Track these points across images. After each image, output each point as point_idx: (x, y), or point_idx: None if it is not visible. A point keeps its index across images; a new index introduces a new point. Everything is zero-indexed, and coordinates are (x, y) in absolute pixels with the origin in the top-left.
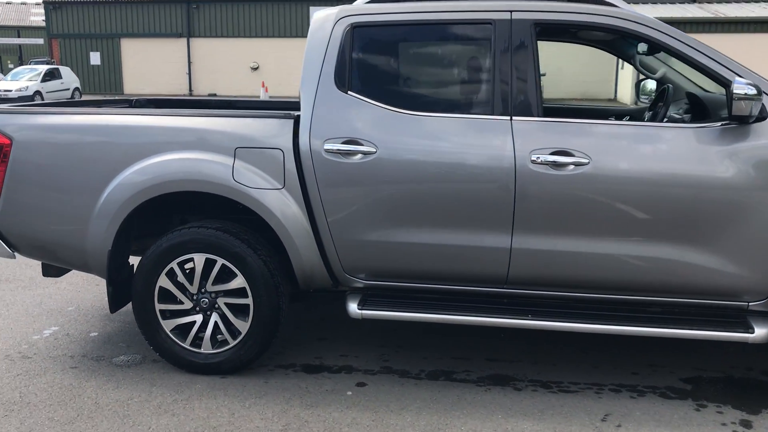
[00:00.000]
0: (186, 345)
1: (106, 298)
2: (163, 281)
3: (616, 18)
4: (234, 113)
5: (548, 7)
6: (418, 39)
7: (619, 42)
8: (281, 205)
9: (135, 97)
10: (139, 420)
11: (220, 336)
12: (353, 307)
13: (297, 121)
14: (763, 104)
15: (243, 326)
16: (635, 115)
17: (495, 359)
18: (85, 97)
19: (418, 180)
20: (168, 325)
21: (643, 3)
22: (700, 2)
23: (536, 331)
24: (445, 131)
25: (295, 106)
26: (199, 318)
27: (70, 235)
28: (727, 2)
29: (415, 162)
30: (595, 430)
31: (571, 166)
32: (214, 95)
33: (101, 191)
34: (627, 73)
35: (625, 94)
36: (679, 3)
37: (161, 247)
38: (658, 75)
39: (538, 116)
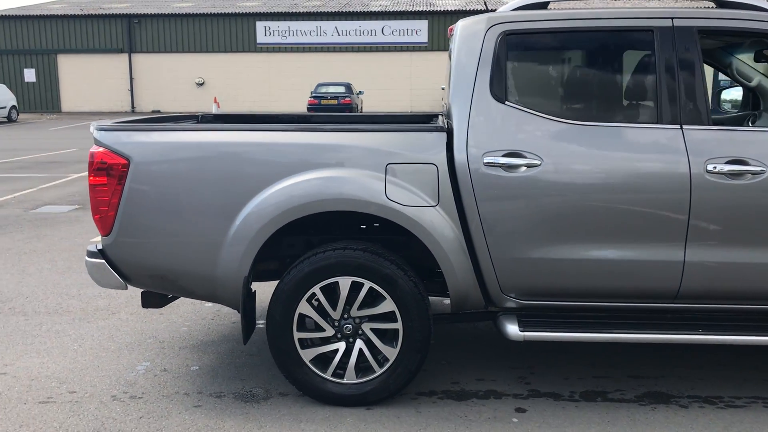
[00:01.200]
0: (327, 375)
1: (184, 329)
2: (304, 308)
3: None
4: (380, 128)
5: (709, 14)
6: (574, 47)
7: (718, 52)
8: (437, 223)
9: (153, 114)
10: None
11: (362, 364)
12: (514, 329)
13: (449, 134)
14: None
15: (391, 352)
16: (726, 123)
17: (638, 376)
18: (22, 116)
19: (586, 192)
20: (307, 354)
21: None
22: None
23: (661, 344)
24: (614, 141)
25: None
26: (341, 345)
27: (198, 262)
28: None
29: (583, 174)
30: None
31: (749, 176)
32: (158, 112)
33: (236, 214)
34: None
35: None
36: None
37: (303, 271)
38: (753, 83)
39: (708, 125)
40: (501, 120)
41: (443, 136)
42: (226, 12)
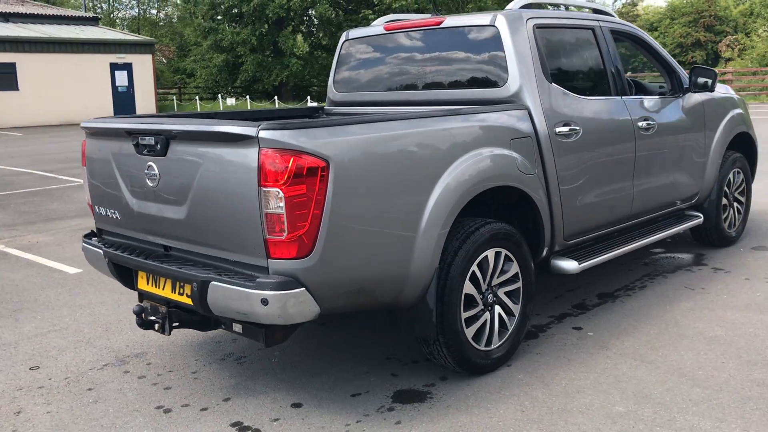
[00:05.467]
0: (482, 347)
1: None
2: (467, 287)
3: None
4: (501, 107)
5: (612, 20)
6: (567, 37)
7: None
8: (539, 188)
9: None
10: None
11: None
12: (573, 264)
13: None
14: None
15: (516, 309)
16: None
17: (575, 288)
18: None
19: (599, 147)
20: (469, 333)
21: None
22: (15, 22)
23: None
24: (602, 109)
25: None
26: (487, 315)
27: (395, 263)
28: (41, 23)
29: (594, 134)
30: None
31: (651, 129)
32: None
33: (425, 204)
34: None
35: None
36: None
37: (469, 252)
38: None
39: (632, 95)
40: (555, 97)
41: (526, 112)
42: None
